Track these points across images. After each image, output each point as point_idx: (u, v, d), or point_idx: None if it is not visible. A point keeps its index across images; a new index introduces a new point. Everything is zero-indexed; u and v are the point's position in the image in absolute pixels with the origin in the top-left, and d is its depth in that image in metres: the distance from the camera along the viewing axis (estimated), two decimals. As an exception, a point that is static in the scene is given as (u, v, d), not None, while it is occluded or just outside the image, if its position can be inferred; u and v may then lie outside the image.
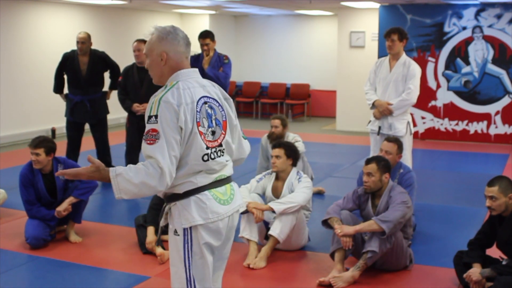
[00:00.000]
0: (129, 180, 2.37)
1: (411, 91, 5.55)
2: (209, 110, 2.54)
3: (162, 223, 2.65)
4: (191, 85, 2.53)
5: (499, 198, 3.80)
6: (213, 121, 2.55)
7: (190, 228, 2.49)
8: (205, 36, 6.65)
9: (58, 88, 7.04)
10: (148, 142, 2.39)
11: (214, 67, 6.56)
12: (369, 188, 4.32)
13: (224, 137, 2.60)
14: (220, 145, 2.58)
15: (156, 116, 2.40)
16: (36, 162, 4.83)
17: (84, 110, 6.86)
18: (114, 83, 7.08)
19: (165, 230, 5.01)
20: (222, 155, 2.59)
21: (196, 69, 2.64)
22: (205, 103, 2.53)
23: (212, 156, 2.53)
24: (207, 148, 2.51)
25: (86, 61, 6.82)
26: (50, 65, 7.47)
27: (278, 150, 4.80)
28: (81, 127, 7.03)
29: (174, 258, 2.56)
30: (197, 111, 2.48)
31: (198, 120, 2.47)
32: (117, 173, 2.40)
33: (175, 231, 2.54)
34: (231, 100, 2.72)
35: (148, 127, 2.43)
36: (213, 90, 2.63)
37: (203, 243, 2.51)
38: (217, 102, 2.60)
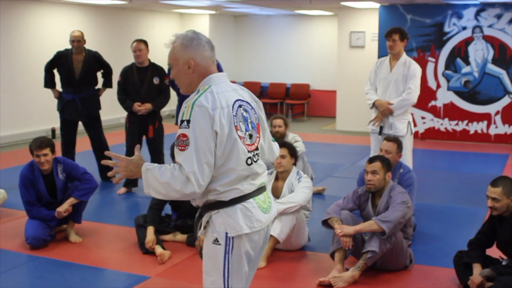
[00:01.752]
0: (156, 177, 2.34)
1: (412, 91, 5.55)
2: (244, 114, 2.48)
3: (200, 233, 2.52)
4: (224, 89, 2.46)
5: (502, 200, 3.79)
6: (249, 124, 2.49)
7: (233, 237, 2.42)
8: None
9: (49, 83, 6.98)
10: (180, 148, 2.33)
11: None
12: (374, 187, 4.31)
13: (259, 140, 2.55)
14: (257, 148, 2.53)
15: (188, 121, 2.33)
16: (45, 163, 4.82)
17: (75, 108, 6.82)
18: (107, 81, 7.07)
19: (165, 230, 5.05)
20: (259, 159, 2.55)
21: (225, 74, 2.59)
22: (240, 106, 2.47)
23: (255, 159, 2.49)
24: (249, 151, 2.46)
25: (81, 60, 6.80)
26: (50, 65, 7.47)
27: (282, 149, 4.80)
28: (74, 125, 7.01)
29: (211, 268, 2.47)
30: (233, 115, 2.41)
31: (235, 124, 2.41)
32: (147, 168, 2.38)
33: (216, 240, 2.43)
34: (260, 102, 2.67)
35: (179, 131, 2.35)
36: (244, 93, 2.58)
37: (245, 252, 2.46)
38: (250, 105, 2.55)
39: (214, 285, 2.46)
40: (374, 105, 5.69)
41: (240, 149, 2.40)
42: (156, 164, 2.39)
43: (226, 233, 2.42)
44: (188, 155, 2.30)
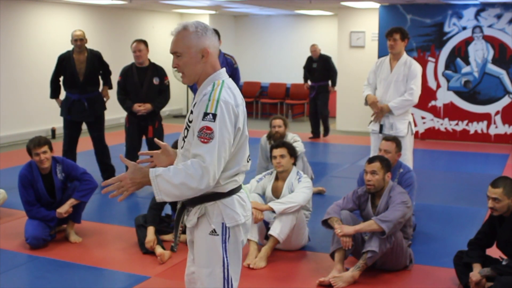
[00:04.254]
0: (169, 181, 2.30)
1: (414, 91, 5.54)
2: (245, 113, 2.53)
3: (191, 224, 2.51)
4: (235, 86, 2.49)
5: (503, 200, 3.78)
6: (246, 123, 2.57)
7: (229, 227, 2.46)
8: None
9: (54, 94, 7.00)
10: (202, 140, 2.31)
11: None
12: (373, 187, 4.31)
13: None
14: None
15: (214, 115, 2.32)
16: (45, 160, 4.82)
17: (82, 108, 6.82)
18: (106, 81, 7.06)
19: (165, 230, 5.05)
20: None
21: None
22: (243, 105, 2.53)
23: (250, 157, 2.57)
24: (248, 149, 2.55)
25: (83, 60, 6.79)
26: (50, 65, 7.45)
27: (281, 149, 4.80)
28: (78, 126, 7.01)
29: (208, 259, 2.47)
30: (244, 112, 2.48)
31: (245, 121, 2.48)
32: (156, 174, 2.33)
33: (213, 231, 2.45)
34: None
35: (202, 124, 2.32)
36: None
37: (241, 241, 2.53)
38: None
39: (212, 277, 2.46)
40: (366, 101, 5.72)
41: (246, 145, 2.49)
42: (163, 168, 2.35)
43: (223, 223, 2.44)
44: (211, 147, 2.30)
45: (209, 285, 2.47)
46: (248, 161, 2.53)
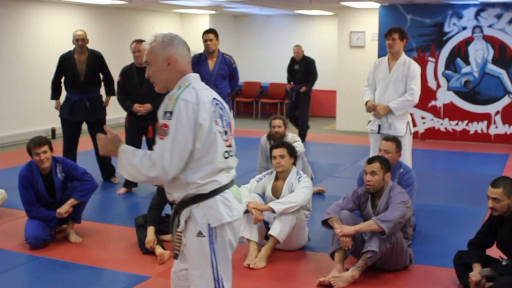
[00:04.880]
0: (128, 159, 2.50)
1: (414, 91, 5.54)
2: (220, 111, 2.61)
3: (181, 228, 2.59)
4: (203, 87, 2.60)
5: (503, 200, 3.78)
6: (224, 122, 2.62)
7: (216, 227, 2.53)
8: (209, 31, 6.63)
9: (55, 95, 7.00)
10: (160, 136, 2.47)
11: (220, 69, 6.52)
12: (372, 187, 4.31)
13: (231, 138, 2.69)
14: (230, 145, 2.66)
15: (171, 113, 2.46)
16: (45, 160, 4.82)
17: (84, 108, 6.83)
18: (109, 90, 7.05)
19: (165, 230, 5.05)
20: (233, 155, 2.69)
21: (198, 76, 2.70)
22: (217, 104, 2.60)
23: (231, 154, 2.64)
24: (225, 146, 2.60)
25: (84, 60, 6.80)
26: (50, 65, 7.47)
27: (281, 149, 4.80)
28: (79, 126, 7.01)
29: (198, 261, 2.56)
30: (213, 110, 2.55)
31: (215, 119, 2.55)
32: (123, 149, 2.54)
33: (200, 233, 2.54)
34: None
35: (161, 121, 2.49)
36: (217, 95, 2.69)
37: (228, 240, 2.58)
38: (223, 105, 2.67)
39: (203, 277, 2.55)
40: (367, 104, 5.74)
41: (219, 142, 2.55)
42: (132, 148, 2.55)
43: (209, 224, 2.53)
44: (164, 143, 2.45)
45: (201, 286, 2.56)
46: (226, 157, 2.58)
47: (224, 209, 2.54)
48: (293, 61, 10.33)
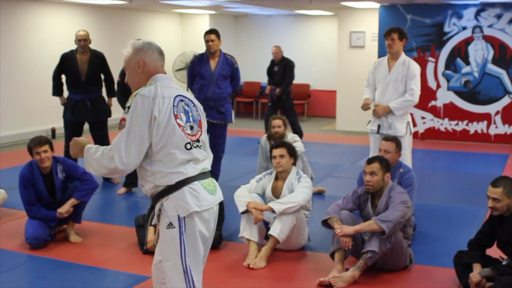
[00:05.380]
0: (91, 155, 2.68)
1: (414, 91, 5.54)
2: (186, 107, 2.74)
3: (154, 222, 2.77)
4: (168, 85, 2.75)
5: (503, 200, 3.78)
6: (190, 117, 2.74)
7: (184, 218, 2.61)
8: (211, 32, 6.64)
9: (57, 91, 6.99)
10: (119, 129, 2.66)
11: (222, 69, 6.52)
12: (372, 188, 4.30)
13: (201, 134, 2.79)
14: (198, 140, 2.75)
15: (129, 107, 2.64)
16: (46, 159, 4.83)
17: (85, 109, 6.84)
18: (110, 91, 7.06)
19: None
20: (202, 150, 2.78)
21: (171, 77, 2.85)
22: (182, 100, 2.74)
23: (195, 145, 2.72)
24: (188, 139, 2.69)
25: (86, 60, 6.81)
26: (50, 65, 7.46)
27: (281, 149, 4.80)
28: (80, 127, 7.02)
29: (168, 253, 2.65)
30: (174, 105, 2.68)
31: (175, 113, 2.67)
32: (87, 147, 2.73)
33: (170, 224, 2.63)
34: (202, 109, 2.91)
35: (122, 116, 2.68)
36: (188, 94, 2.84)
37: (198, 231, 2.65)
38: (192, 102, 2.82)
39: (174, 269, 2.64)
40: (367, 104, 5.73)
41: (178, 134, 2.65)
42: (96, 146, 2.74)
43: (178, 215, 2.62)
44: (121, 135, 2.63)
45: (172, 277, 2.64)
46: (189, 148, 2.67)
47: (192, 199, 2.62)
48: (272, 62, 10.12)
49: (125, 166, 2.61)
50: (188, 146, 2.68)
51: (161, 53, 2.84)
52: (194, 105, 2.82)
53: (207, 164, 2.78)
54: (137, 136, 2.60)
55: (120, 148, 2.60)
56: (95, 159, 2.66)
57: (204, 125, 2.85)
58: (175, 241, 2.62)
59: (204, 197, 2.67)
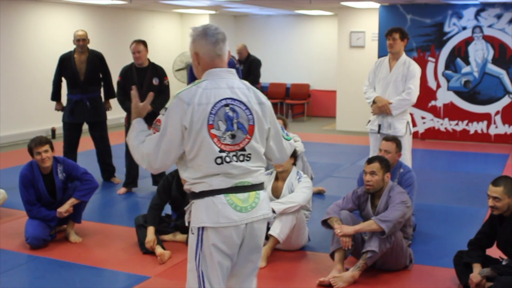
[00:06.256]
0: (132, 136, 2.59)
1: (412, 91, 5.54)
2: (230, 113, 2.47)
3: (186, 218, 2.64)
4: (216, 86, 2.50)
5: (503, 199, 3.79)
6: (234, 125, 2.48)
7: (202, 228, 2.49)
8: None
9: (55, 95, 6.99)
10: (153, 130, 2.54)
11: None
12: (372, 188, 4.30)
13: (248, 142, 2.52)
14: (243, 149, 2.50)
15: (166, 109, 2.50)
16: (47, 159, 4.83)
17: (84, 109, 6.84)
18: (109, 92, 7.06)
19: (165, 230, 5.05)
20: (247, 160, 2.52)
21: (231, 70, 2.59)
22: (226, 105, 2.47)
23: (228, 160, 2.47)
24: (222, 151, 2.45)
25: (84, 60, 6.80)
26: (50, 65, 7.47)
27: None
28: (79, 128, 7.01)
29: (190, 255, 2.58)
30: (211, 113, 2.44)
31: (211, 122, 2.44)
32: (133, 123, 2.63)
33: (192, 229, 2.56)
34: (267, 104, 2.62)
35: (158, 117, 2.53)
36: (244, 92, 2.55)
37: (212, 244, 2.48)
38: (244, 105, 2.52)
39: (192, 272, 2.58)
40: (374, 103, 5.67)
41: (208, 147, 2.45)
42: (142, 127, 2.61)
43: (193, 223, 2.54)
44: (153, 138, 2.51)
45: (189, 279, 2.59)
46: (219, 163, 2.44)
47: (207, 213, 2.46)
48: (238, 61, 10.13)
49: (154, 170, 2.57)
50: (219, 161, 2.45)
51: (216, 41, 2.51)
52: (247, 108, 2.51)
53: (249, 178, 2.52)
54: (169, 141, 2.46)
55: (150, 152, 2.50)
56: (131, 137, 2.58)
57: (258, 131, 2.54)
58: (193, 246, 2.54)
59: (226, 213, 2.45)
